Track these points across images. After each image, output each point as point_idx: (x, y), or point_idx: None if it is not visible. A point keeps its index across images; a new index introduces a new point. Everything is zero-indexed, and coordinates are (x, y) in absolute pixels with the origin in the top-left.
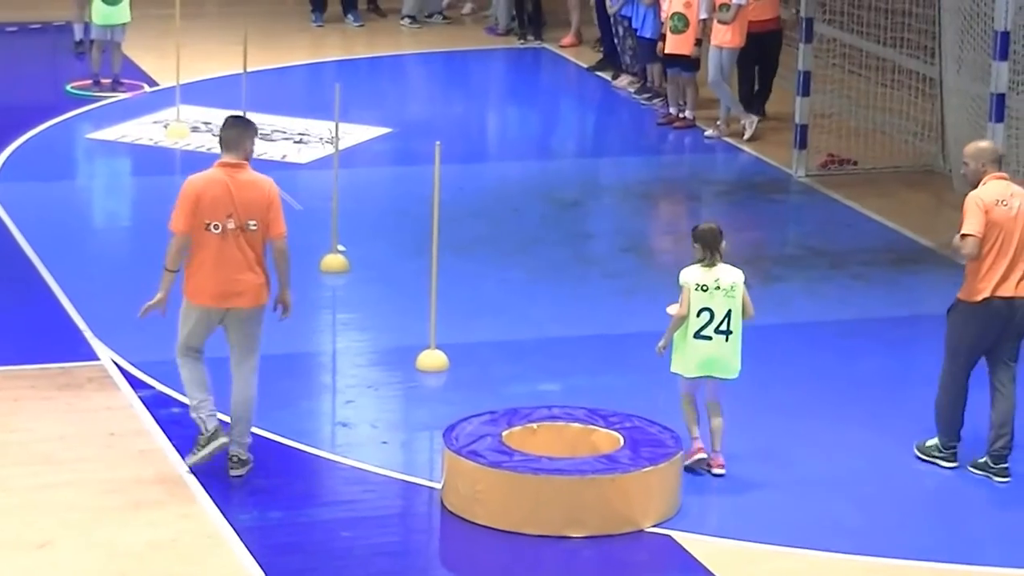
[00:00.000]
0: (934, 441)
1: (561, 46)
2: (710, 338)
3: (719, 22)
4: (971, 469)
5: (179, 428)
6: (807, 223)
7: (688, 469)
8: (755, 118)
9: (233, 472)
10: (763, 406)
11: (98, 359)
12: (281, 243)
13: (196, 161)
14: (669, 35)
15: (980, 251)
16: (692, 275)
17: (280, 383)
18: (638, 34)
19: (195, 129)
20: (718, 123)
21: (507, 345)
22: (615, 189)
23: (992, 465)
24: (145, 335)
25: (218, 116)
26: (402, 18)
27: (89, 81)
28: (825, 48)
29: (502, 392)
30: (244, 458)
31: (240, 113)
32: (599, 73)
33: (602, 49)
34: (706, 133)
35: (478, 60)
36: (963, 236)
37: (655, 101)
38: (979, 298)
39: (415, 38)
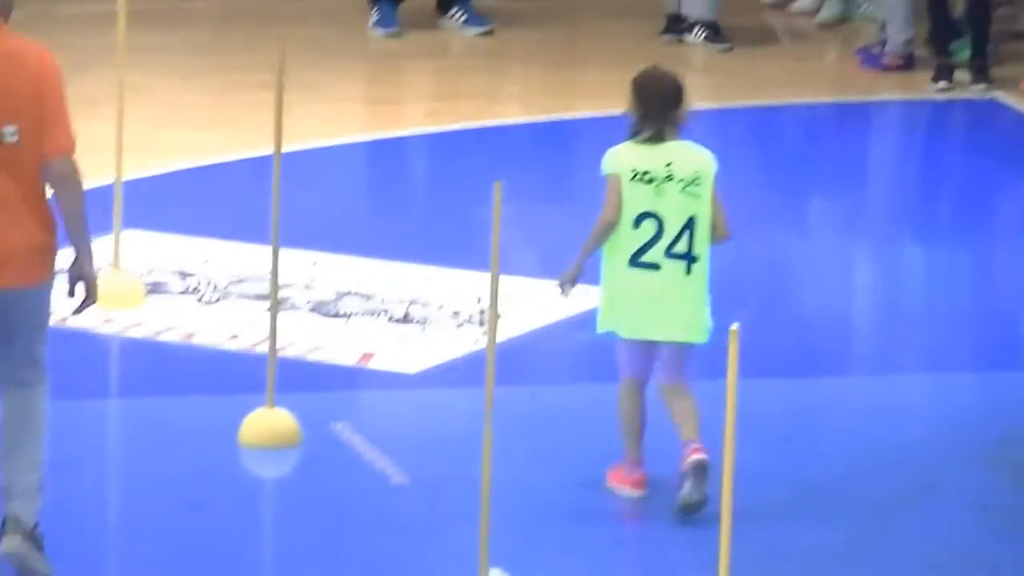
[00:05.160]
0: None
1: None
2: (657, 267)
3: None
4: None
5: None
6: None
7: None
8: None
9: (8, 545)
10: None
11: None
12: (64, 164)
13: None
14: None
15: None
16: (625, 156)
17: None
18: None
19: (157, 289)
20: None
21: None
22: None
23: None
24: None
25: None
26: (689, 27)
27: None
28: None
29: None
30: (28, 527)
31: None
32: None
33: None
34: None
35: (843, 124)
36: None
37: None
38: None
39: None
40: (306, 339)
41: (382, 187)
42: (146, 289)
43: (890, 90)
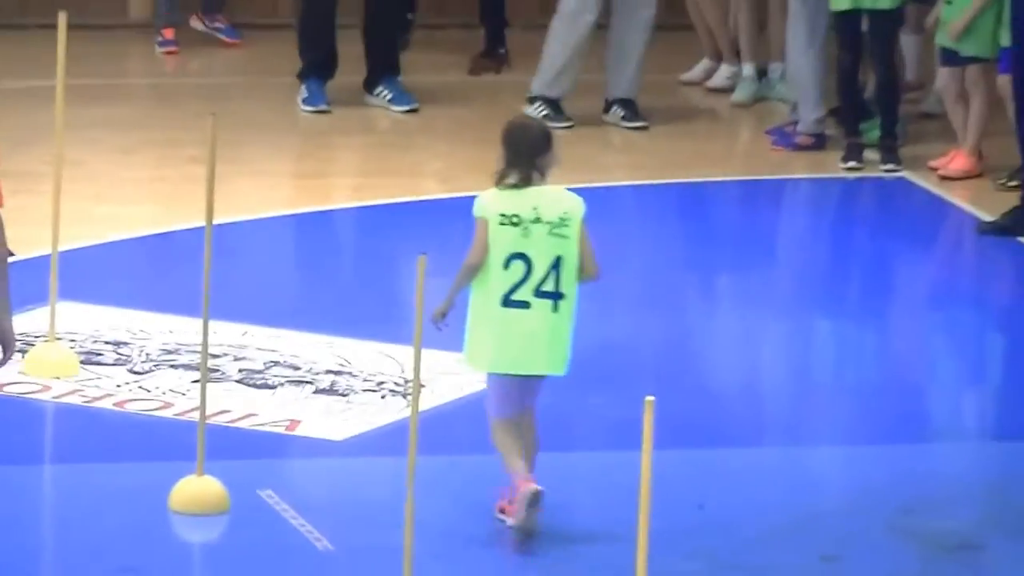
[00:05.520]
0: None
1: (941, 175)
2: (527, 305)
3: None
4: None
5: None
6: None
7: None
8: None
9: None
10: None
11: None
12: None
13: None
14: None
15: None
16: (493, 202)
17: None
18: None
19: (91, 359)
20: None
21: None
22: None
23: None
24: None
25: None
26: (608, 107)
27: None
28: None
29: None
30: None
31: None
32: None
33: (1020, 181)
34: None
35: (755, 202)
36: None
37: None
38: None
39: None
40: (235, 408)
41: (310, 260)
42: (80, 359)
43: (802, 169)
